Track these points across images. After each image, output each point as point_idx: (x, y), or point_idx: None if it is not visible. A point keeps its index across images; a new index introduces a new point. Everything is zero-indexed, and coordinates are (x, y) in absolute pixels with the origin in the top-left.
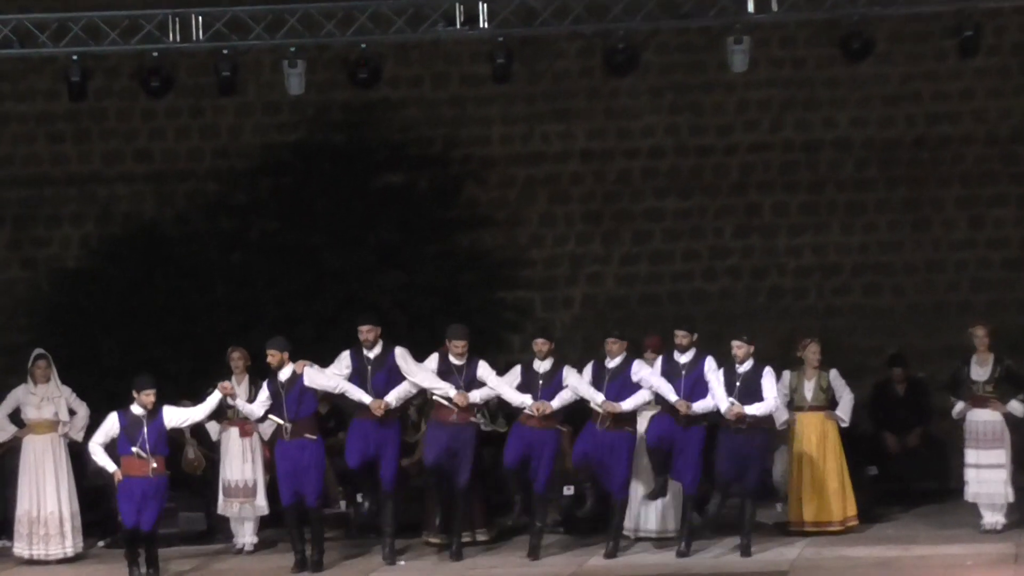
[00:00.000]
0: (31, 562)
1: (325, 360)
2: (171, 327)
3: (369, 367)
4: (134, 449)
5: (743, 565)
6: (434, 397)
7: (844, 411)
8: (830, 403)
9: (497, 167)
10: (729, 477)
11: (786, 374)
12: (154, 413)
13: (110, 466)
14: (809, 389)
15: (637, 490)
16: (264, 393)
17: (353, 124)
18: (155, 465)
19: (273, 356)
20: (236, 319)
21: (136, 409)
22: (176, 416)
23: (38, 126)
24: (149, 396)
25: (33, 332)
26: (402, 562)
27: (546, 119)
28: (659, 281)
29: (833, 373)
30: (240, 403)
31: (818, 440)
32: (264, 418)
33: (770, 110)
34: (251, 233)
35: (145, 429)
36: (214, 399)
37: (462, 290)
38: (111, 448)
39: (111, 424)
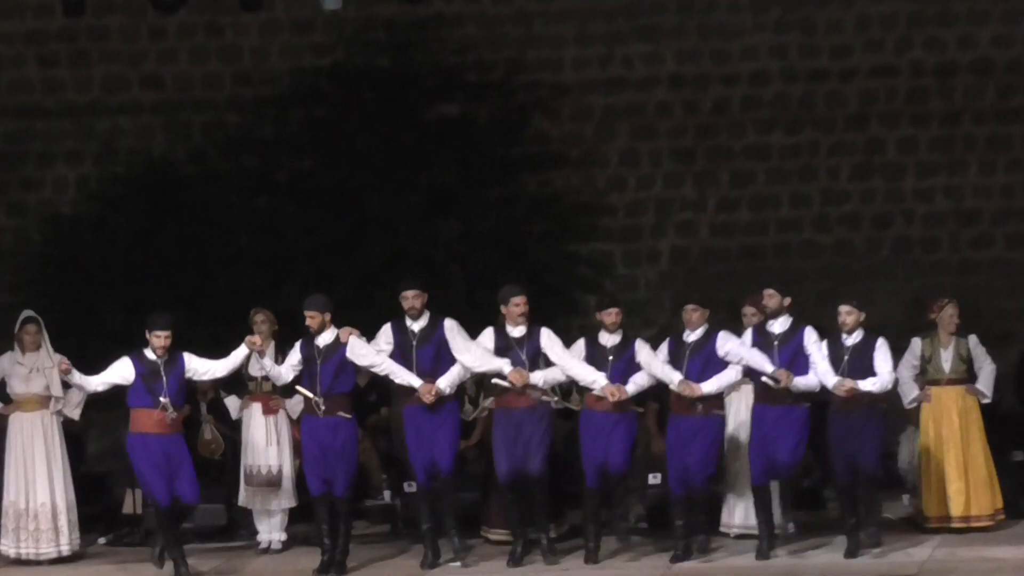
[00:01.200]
0: (19, 562)
1: (366, 326)
2: (185, 285)
3: (414, 341)
4: (163, 400)
5: (865, 567)
6: (494, 381)
7: (985, 384)
8: (971, 375)
9: (570, 96)
10: (844, 468)
11: (916, 341)
12: (173, 360)
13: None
14: (947, 359)
15: (735, 481)
16: (296, 356)
17: (399, 45)
18: (173, 416)
19: (313, 318)
20: (262, 275)
21: (150, 354)
22: (198, 366)
23: (27, 47)
24: (161, 339)
25: (22, 291)
26: (455, 564)
27: (628, 38)
28: (762, 231)
29: (973, 340)
30: (267, 362)
31: (960, 419)
32: (292, 389)
33: (895, 27)
34: (279, 174)
35: (164, 378)
36: (240, 353)
37: (529, 242)
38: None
39: (124, 369)
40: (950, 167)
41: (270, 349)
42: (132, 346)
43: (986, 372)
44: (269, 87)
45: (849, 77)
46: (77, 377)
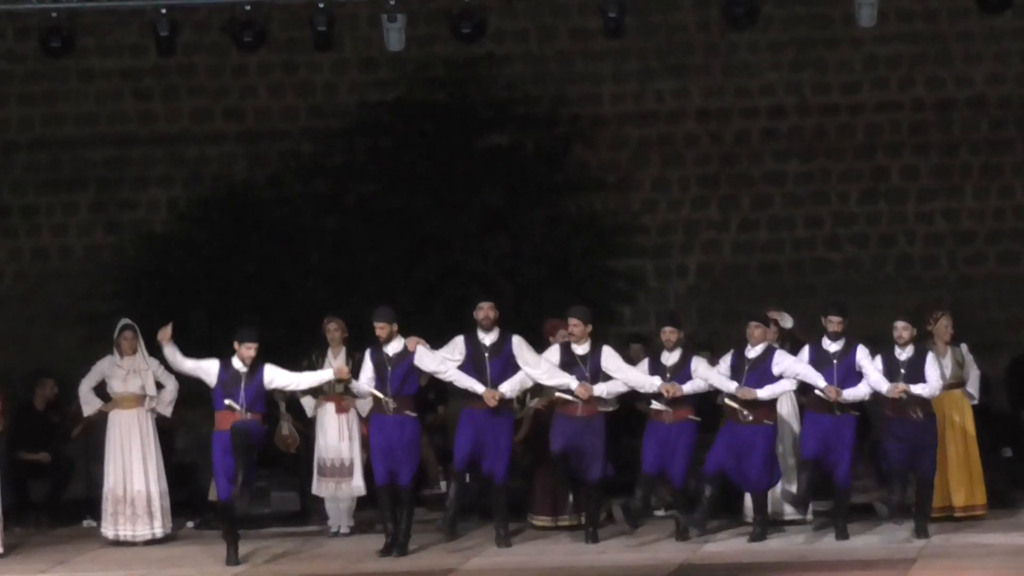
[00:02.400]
0: (117, 543)
1: (424, 333)
2: (263, 296)
3: (486, 354)
4: (227, 402)
5: (869, 551)
6: (557, 394)
7: (974, 387)
8: (965, 379)
9: (608, 127)
10: (902, 464)
11: None
12: (255, 370)
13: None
14: (946, 365)
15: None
16: (368, 367)
17: (455, 81)
18: (248, 416)
19: (382, 328)
20: (332, 288)
21: (236, 363)
22: (279, 377)
23: (124, 83)
24: (250, 350)
25: (118, 300)
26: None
27: (660, 76)
28: (779, 249)
29: (964, 348)
30: (355, 384)
31: (959, 419)
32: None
33: (899, 67)
34: (348, 197)
35: (243, 385)
36: (326, 374)
37: (570, 258)
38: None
39: (211, 369)
40: (948, 192)
41: (341, 354)
42: (216, 351)
43: (973, 377)
44: (339, 119)
45: (857, 111)
46: (173, 350)
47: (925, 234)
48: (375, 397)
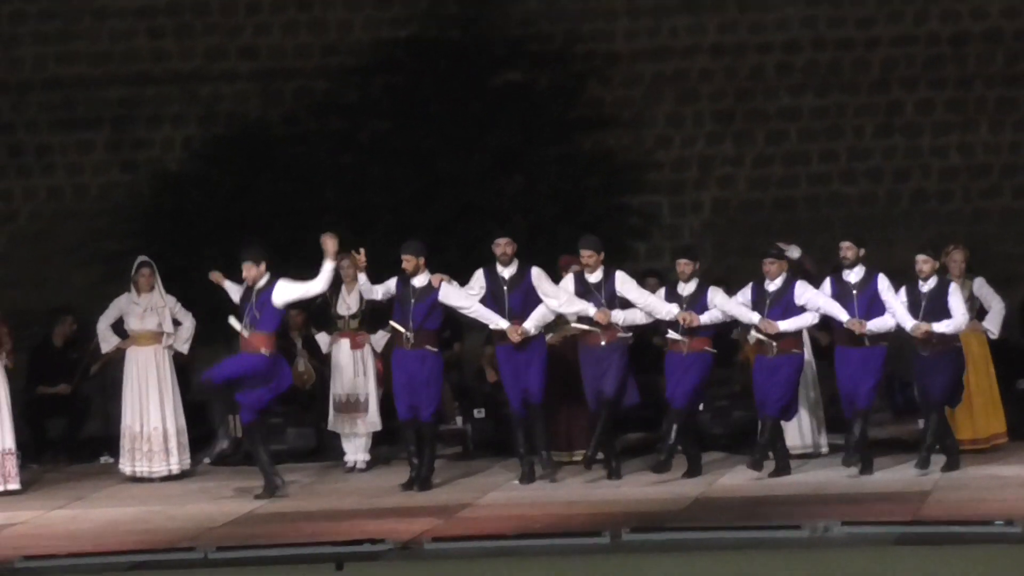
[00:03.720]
0: (134, 479)
1: (438, 270)
2: (278, 234)
3: (505, 287)
4: (231, 319)
5: (884, 484)
6: (574, 325)
7: (993, 322)
8: (977, 314)
9: (622, 64)
10: (936, 397)
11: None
12: (266, 288)
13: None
14: None
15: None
16: (390, 285)
17: (469, 18)
18: (245, 335)
19: (408, 261)
20: (346, 226)
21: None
22: (288, 290)
23: (137, 21)
24: (249, 270)
25: (133, 239)
26: (515, 481)
27: (674, 11)
28: (794, 184)
29: (979, 281)
30: (362, 278)
31: (968, 353)
32: (385, 323)
33: (914, 1)
34: (362, 134)
35: (253, 302)
36: (328, 268)
37: (585, 195)
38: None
39: (231, 289)
40: (963, 126)
41: (355, 291)
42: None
43: (995, 311)
44: (353, 57)
45: (873, 46)
46: (228, 284)
47: (940, 168)
48: (395, 331)
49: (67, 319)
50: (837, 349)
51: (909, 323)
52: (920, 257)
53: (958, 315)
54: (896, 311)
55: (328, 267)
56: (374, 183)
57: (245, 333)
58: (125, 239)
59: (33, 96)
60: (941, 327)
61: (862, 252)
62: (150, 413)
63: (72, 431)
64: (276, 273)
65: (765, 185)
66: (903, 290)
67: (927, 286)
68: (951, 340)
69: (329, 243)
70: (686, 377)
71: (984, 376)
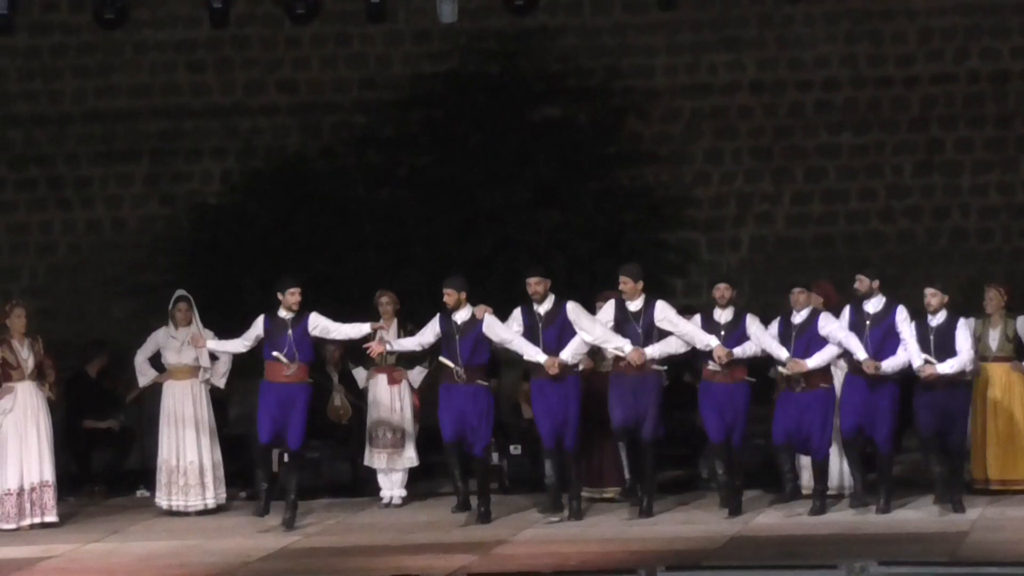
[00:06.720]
0: (171, 513)
1: (478, 303)
2: (316, 267)
3: (540, 323)
4: (275, 353)
5: (922, 525)
6: (609, 355)
7: None
8: (1016, 353)
9: (661, 100)
10: (930, 432)
11: (970, 322)
12: (300, 318)
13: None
14: (994, 338)
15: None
16: (431, 332)
17: (508, 54)
18: (292, 370)
19: (451, 296)
20: (385, 259)
21: (282, 312)
22: (321, 324)
23: (178, 55)
24: (294, 295)
25: (173, 272)
26: (554, 519)
27: (713, 48)
28: (833, 222)
29: (1020, 321)
30: (396, 342)
31: (1003, 392)
32: (430, 360)
33: (955, 38)
34: (400, 169)
35: (289, 331)
36: (364, 327)
37: (623, 231)
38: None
39: (256, 325)
40: (1003, 165)
41: (393, 326)
42: None
43: None
44: (392, 91)
45: (912, 84)
46: (219, 345)
47: (979, 207)
48: (445, 366)
49: (103, 351)
50: (847, 378)
51: (917, 361)
52: (929, 291)
53: (963, 352)
54: (908, 345)
55: (364, 329)
56: (412, 217)
57: (291, 368)
58: (163, 272)
59: (73, 129)
60: (946, 368)
61: (875, 284)
62: (186, 447)
63: (116, 463)
64: (309, 306)
65: (803, 223)
66: (912, 324)
67: (935, 320)
68: (962, 376)
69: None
70: (737, 416)
71: (1020, 416)
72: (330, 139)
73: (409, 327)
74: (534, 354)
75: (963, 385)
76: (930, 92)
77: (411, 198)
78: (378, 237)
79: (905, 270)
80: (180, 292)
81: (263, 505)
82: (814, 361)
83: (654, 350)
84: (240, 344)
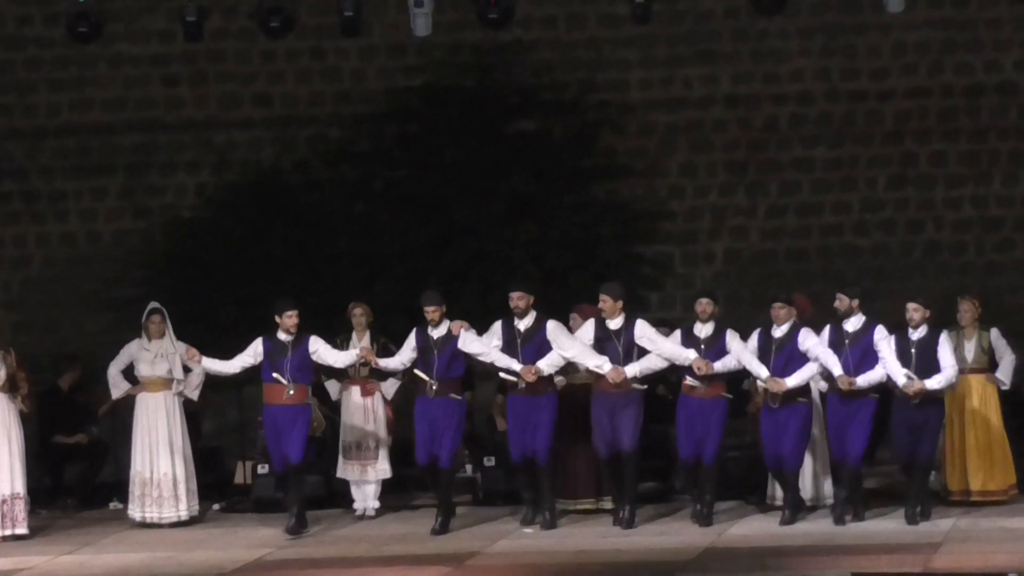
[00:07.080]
0: (144, 525)
1: (451, 318)
2: (290, 281)
3: (519, 339)
4: (275, 375)
5: (894, 536)
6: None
7: (1005, 373)
8: (991, 365)
9: (636, 113)
10: (904, 449)
11: (944, 334)
12: (299, 340)
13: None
14: (969, 350)
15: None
16: (409, 349)
17: (483, 67)
18: (292, 392)
19: (436, 311)
20: (360, 273)
21: (281, 335)
22: (323, 349)
23: (152, 68)
24: (292, 318)
25: (147, 285)
26: (528, 530)
27: (688, 62)
28: (807, 235)
29: (994, 333)
30: (383, 362)
31: (980, 403)
32: (403, 373)
33: (929, 53)
34: (375, 182)
35: (288, 355)
36: (353, 355)
37: (598, 244)
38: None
39: (255, 348)
40: (977, 179)
41: (365, 338)
42: (242, 336)
43: (1006, 362)
44: (366, 105)
45: (886, 98)
46: (215, 364)
47: (953, 220)
48: (419, 379)
49: (76, 364)
50: (829, 398)
51: (901, 379)
52: (911, 305)
53: (947, 368)
54: (888, 363)
55: (354, 354)
56: (387, 230)
57: (291, 389)
58: (138, 286)
59: (47, 142)
60: (933, 383)
61: (855, 303)
62: (160, 459)
63: (88, 476)
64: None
65: (778, 236)
66: (892, 338)
67: (916, 334)
68: (938, 392)
69: (368, 352)
70: (710, 432)
71: (997, 426)
72: (305, 153)
73: (382, 340)
74: (508, 362)
75: (937, 402)
76: (904, 106)
77: (386, 212)
78: (353, 250)
79: (879, 283)
80: (153, 304)
81: (294, 524)
82: (794, 380)
83: (634, 368)
84: (237, 364)
